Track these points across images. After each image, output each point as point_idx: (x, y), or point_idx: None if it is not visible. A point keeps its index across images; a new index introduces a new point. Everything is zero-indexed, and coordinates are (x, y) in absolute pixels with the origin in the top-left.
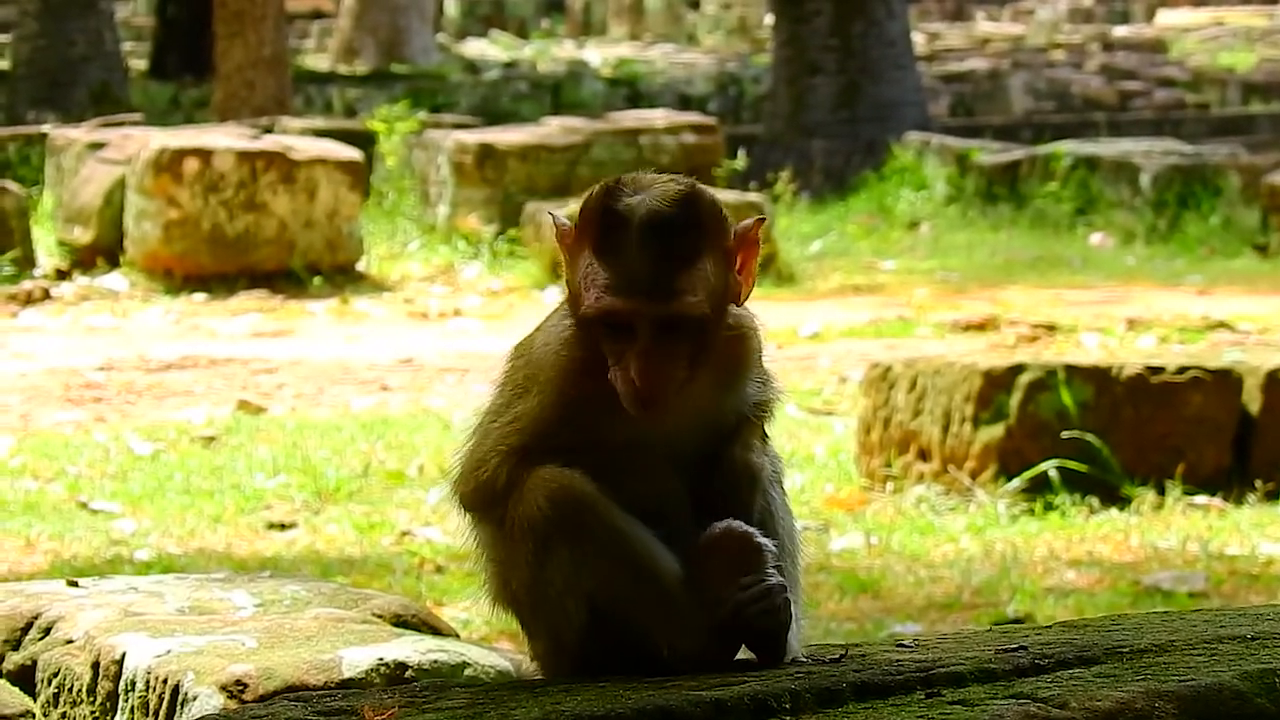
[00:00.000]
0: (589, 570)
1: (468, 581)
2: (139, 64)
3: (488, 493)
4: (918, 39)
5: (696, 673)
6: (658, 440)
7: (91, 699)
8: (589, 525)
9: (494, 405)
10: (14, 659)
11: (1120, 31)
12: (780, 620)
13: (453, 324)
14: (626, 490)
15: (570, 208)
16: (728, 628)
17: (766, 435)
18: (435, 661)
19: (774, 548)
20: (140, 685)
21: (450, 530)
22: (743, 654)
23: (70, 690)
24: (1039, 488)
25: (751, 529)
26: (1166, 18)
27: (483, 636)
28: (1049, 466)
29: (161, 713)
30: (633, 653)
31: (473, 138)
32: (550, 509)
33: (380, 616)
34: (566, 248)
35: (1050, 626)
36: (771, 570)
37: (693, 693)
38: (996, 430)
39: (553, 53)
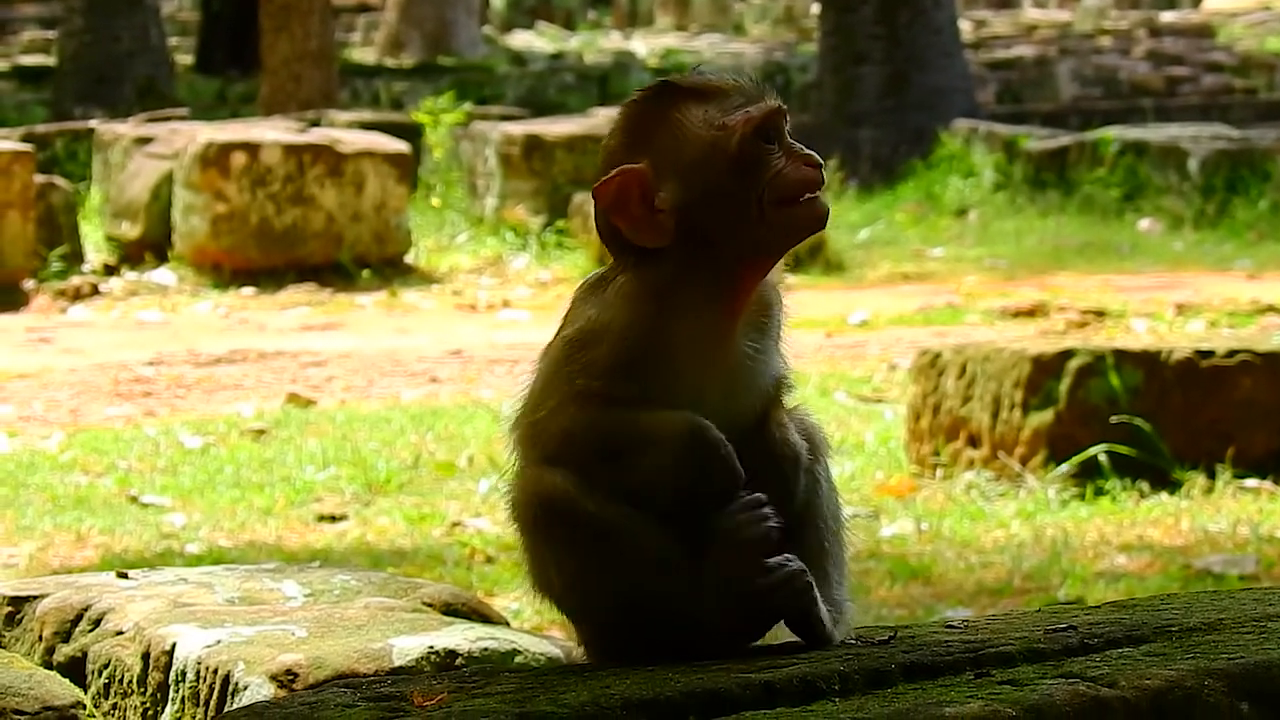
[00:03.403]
0: (593, 566)
1: (518, 572)
2: (185, 59)
3: (543, 434)
4: (964, 26)
5: (727, 656)
6: (713, 405)
7: (142, 690)
8: (577, 522)
9: (554, 363)
10: (64, 651)
11: (1167, 17)
12: (804, 602)
13: (501, 315)
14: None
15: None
16: (752, 612)
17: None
18: (485, 649)
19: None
20: (190, 676)
21: (501, 521)
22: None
23: (121, 681)
24: (1089, 473)
25: (766, 510)
26: (1213, 3)
27: (534, 625)
28: (1099, 451)
29: (212, 703)
30: (666, 639)
31: (520, 129)
32: (540, 509)
33: (430, 605)
34: (639, 176)
35: (1099, 607)
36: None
37: (742, 675)
38: (1046, 416)
39: (599, 44)
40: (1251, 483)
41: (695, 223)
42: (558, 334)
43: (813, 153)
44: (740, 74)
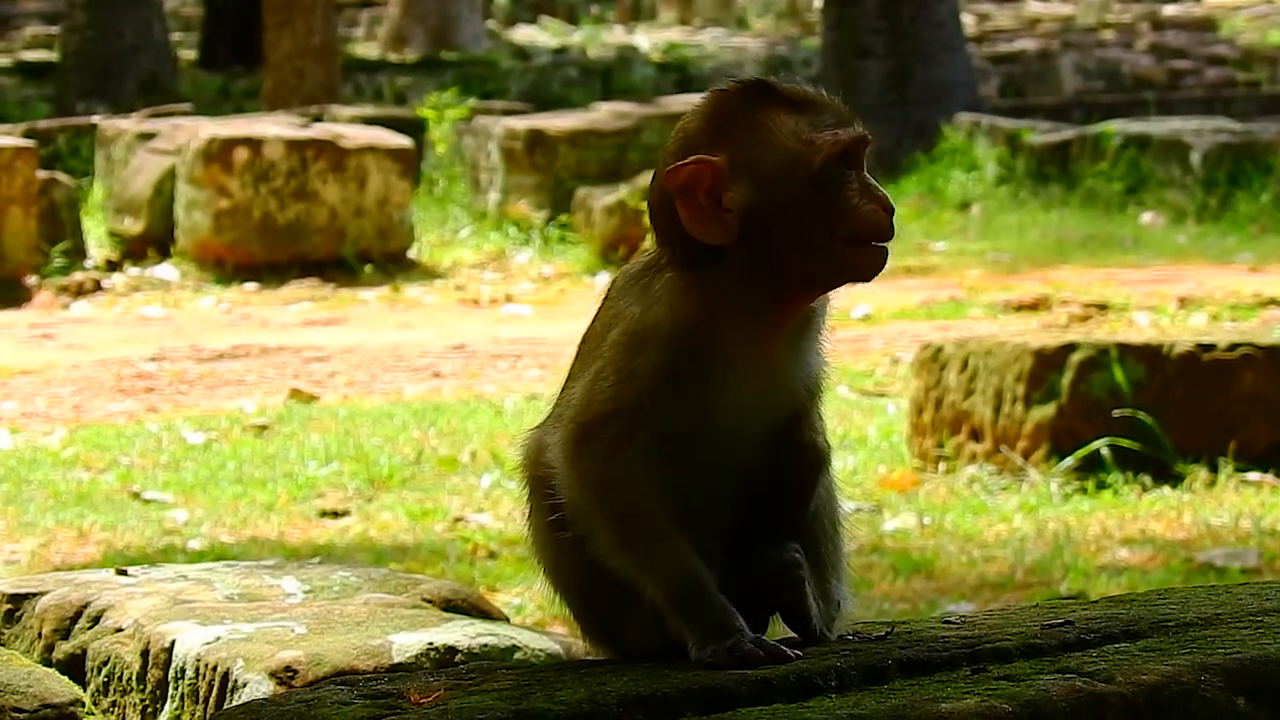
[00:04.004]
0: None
1: (520, 567)
2: (188, 54)
3: (600, 450)
4: (967, 20)
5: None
6: (748, 407)
7: (141, 687)
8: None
9: (602, 362)
10: (64, 648)
11: (1170, 10)
12: (797, 593)
13: (504, 310)
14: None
15: (621, 191)
16: (745, 599)
17: (821, 415)
18: (485, 646)
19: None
20: (190, 673)
21: (503, 516)
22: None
23: (120, 678)
24: (1091, 466)
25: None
26: None
27: (536, 621)
28: (1101, 445)
29: (211, 700)
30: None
31: (523, 124)
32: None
33: (430, 601)
34: (714, 169)
35: (1096, 602)
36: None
37: (739, 672)
38: (1048, 409)
39: (602, 38)
40: (1254, 476)
41: (759, 230)
42: (602, 328)
43: (887, 194)
44: (833, 94)
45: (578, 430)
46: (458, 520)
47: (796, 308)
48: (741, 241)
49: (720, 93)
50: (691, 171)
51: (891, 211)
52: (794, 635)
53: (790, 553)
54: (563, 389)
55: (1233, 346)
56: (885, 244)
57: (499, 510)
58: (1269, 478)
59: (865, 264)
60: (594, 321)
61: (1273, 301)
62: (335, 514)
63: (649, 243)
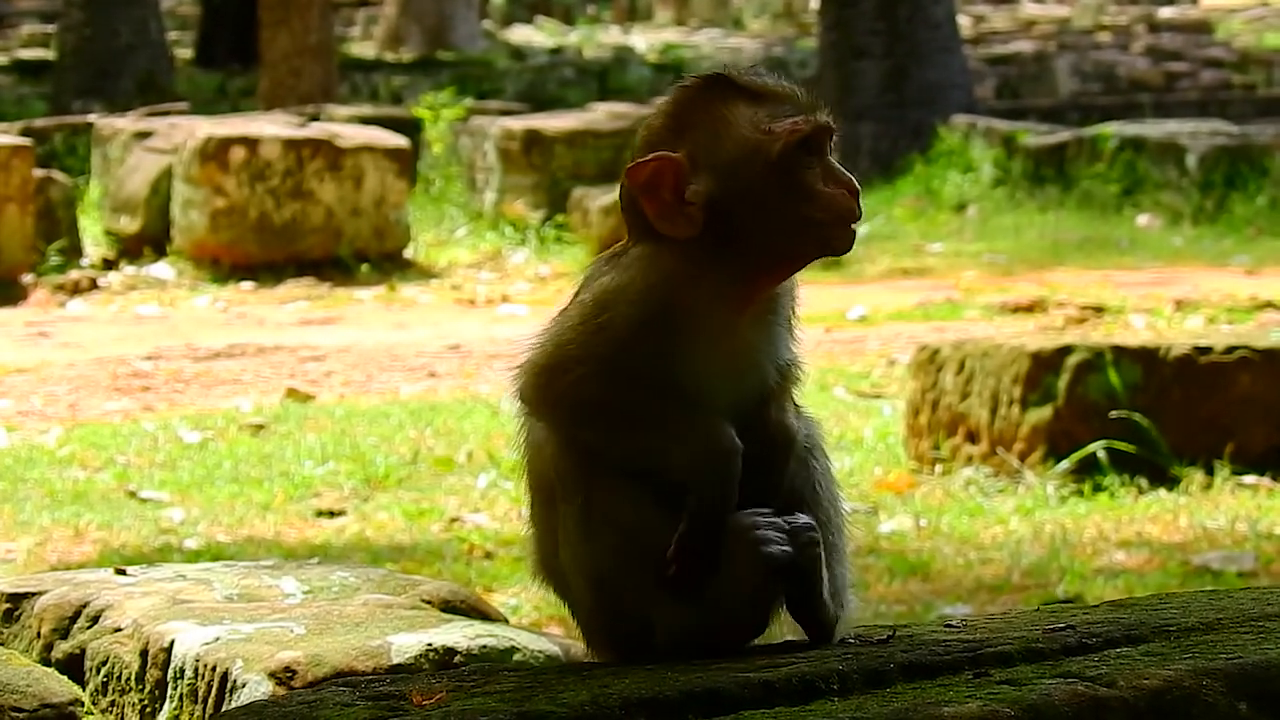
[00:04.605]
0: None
1: (517, 568)
2: (184, 53)
3: (555, 393)
4: (963, 22)
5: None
6: (715, 379)
7: (140, 687)
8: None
9: (572, 318)
10: (62, 647)
11: (1166, 13)
12: (814, 554)
13: (500, 310)
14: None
15: (618, 192)
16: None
17: (797, 402)
18: (484, 647)
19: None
20: (189, 673)
21: (499, 516)
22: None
23: (119, 678)
24: (1088, 469)
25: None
26: None
27: (532, 622)
28: (1097, 447)
29: (210, 700)
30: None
31: (519, 124)
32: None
33: (429, 602)
34: (675, 166)
35: (1097, 606)
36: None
37: (740, 674)
38: (1045, 412)
39: (598, 38)
40: (1250, 479)
41: (722, 220)
42: (574, 299)
43: (852, 178)
44: (797, 84)
45: (543, 370)
46: (454, 520)
47: (766, 285)
48: (707, 231)
49: (681, 88)
50: (653, 169)
51: (856, 193)
52: (794, 639)
53: (805, 519)
54: None
55: (1230, 349)
56: (850, 226)
57: (495, 510)
58: (1265, 480)
59: (834, 240)
60: (573, 297)
61: (1269, 304)
62: (331, 514)
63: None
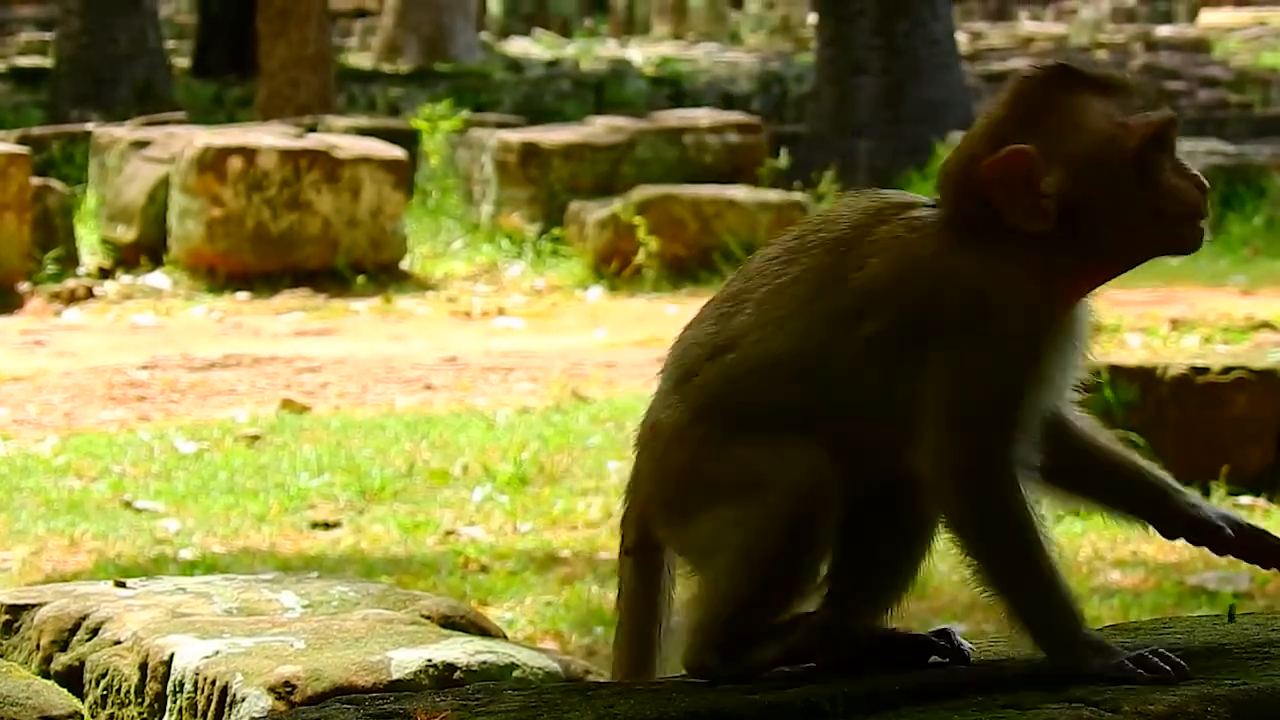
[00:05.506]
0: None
1: (512, 581)
2: (182, 62)
3: (1000, 472)
4: (961, 38)
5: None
6: (1052, 385)
7: (140, 700)
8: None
9: (962, 347)
10: (62, 660)
11: (1163, 31)
12: None
13: (496, 322)
14: None
15: (615, 205)
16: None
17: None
18: (484, 663)
19: None
20: (189, 686)
21: (494, 530)
22: None
23: (118, 691)
24: None
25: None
26: (1209, 18)
27: (528, 636)
28: None
29: (210, 714)
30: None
31: (516, 136)
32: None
33: (428, 618)
34: (1030, 159)
35: (1100, 630)
36: None
37: (745, 695)
38: None
39: (596, 51)
40: (1246, 499)
41: (1074, 213)
42: (837, 265)
43: (1200, 175)
44: (1136, 76)
45: (975, 455)
46: (449, 533)
47: (1100, 281)
48: (1057, 225)
49: (1025, 80)
50: (1008, 163)
51: (1206, 190)
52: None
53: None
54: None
55: (1226, 369)
56: (1202, 221)
57: (490, 524)
58: (1261, 501)
59: (1184, 238)
60: (800, 253)
61: (1265, 324)
62: (327, 525)
63: (641, 257)
